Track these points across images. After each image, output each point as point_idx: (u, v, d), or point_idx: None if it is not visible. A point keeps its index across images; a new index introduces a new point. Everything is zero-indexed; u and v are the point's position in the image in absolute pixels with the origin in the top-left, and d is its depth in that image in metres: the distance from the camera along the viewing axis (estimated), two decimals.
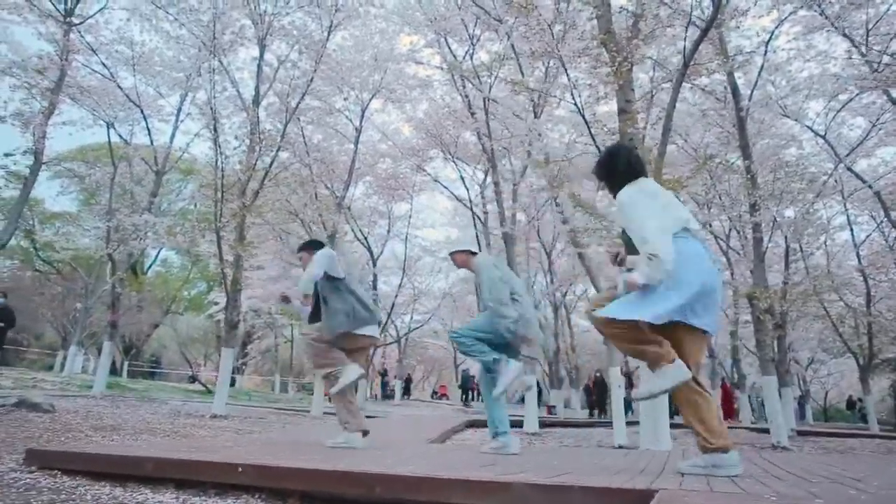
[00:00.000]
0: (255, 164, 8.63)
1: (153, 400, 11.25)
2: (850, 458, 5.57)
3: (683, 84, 12.04)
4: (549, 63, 7.97)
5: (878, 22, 10.38)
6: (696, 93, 12.26)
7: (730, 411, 19.62)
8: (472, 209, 14.85)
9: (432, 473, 2.08)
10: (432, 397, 28.93)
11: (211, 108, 8.23)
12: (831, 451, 8.04)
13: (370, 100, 13.54)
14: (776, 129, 13.36)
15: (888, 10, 10.12)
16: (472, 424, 10.01)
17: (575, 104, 5.17)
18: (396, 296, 17.76)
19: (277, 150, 8.97)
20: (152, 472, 2.54)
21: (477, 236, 12.74)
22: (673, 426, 5.47)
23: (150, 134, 10.94)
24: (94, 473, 2.66)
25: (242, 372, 30.09)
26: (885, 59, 9.69)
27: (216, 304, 21.76)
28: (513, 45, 7.91)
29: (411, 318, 21.94)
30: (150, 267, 30.25)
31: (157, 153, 11.09)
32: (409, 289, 20.82)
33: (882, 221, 12.69)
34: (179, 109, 11.67)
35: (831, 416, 30.35)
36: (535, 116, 8.18)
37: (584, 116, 5.21)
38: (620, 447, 6.81)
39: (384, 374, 24.03)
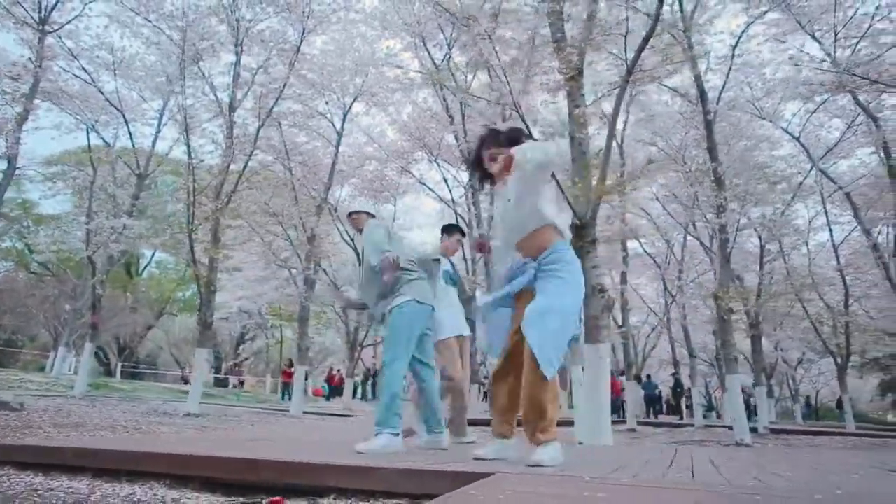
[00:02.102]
0: (229, 167, 8.79)
1: (136, 400, 11.43)
2: (787, 452, 5.72)
3: (659, 86, 12.36)
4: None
5: (845, 25, 10.56)
6: (672, 95, 12.47)
7: None
8: (455, 210, 15.03)
9: (313, 460, 2.25)
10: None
11: (183, 113, 8.39)
12: (793, 447, 8.20)
13: (352, 103, 13.72)
14: (754, 131, 13.52)
15: (855, 14, 10.28)
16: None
17: (517, 109, 5.32)
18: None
19: (251, 154, 9.14)
20: (72, 461, 2.71)
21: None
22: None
23: (131, 137, 11.14)
24: (21, 463, 2.83)
25: (237, 372, 30.31)
26: (850, 59, 9.85)
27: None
28: (481, 51, 8.05)
29: None
30: (144, 269, 30.51)
31: (138, 156, 11.27)
32: None
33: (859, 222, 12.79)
34: (162, 113, 11.87)
35: (823, 415, 30.46)
36: (503, 120, 8.34)
37: (523, 119, 5.35)
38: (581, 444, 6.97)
39: (375, 374, 24.19)
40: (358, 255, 3.66)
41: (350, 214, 3.77)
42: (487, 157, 2.87)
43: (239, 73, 10.09)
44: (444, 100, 11.63)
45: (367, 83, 13.54)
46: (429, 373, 3.53)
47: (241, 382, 28.15)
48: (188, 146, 8.56)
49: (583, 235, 5.26)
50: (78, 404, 8.31)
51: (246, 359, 29.63)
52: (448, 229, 4.53)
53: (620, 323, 12.91)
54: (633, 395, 12.08)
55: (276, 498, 2.13)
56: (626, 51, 5.92)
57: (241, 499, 2.27)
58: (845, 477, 2.21)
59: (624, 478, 1.90)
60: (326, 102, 13.48)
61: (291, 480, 2.27)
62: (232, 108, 9.96)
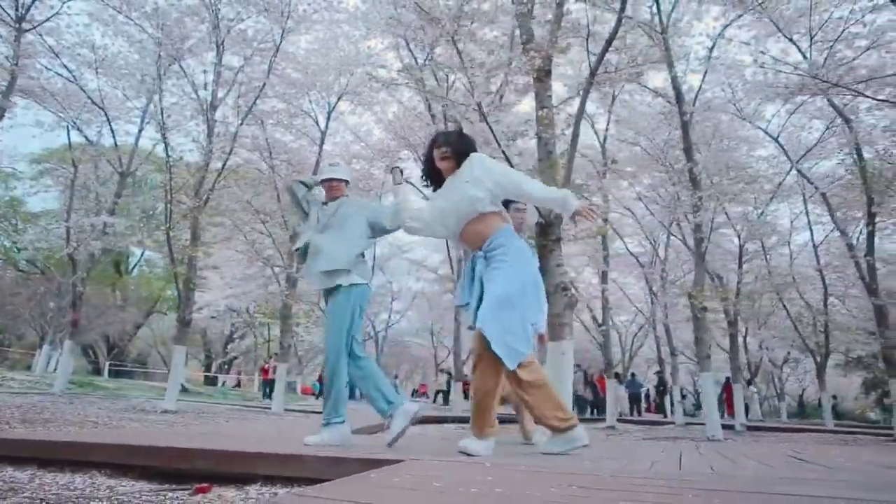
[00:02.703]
0: (209, 166, 8.85)
1: (118, 398, 11.47)
2: (748, 447, 5.83)
3: (641, 87, 12.48)
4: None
5: (821, 28, 10.70)
6: (654, 96, 12.59)
7: (731, 406, 20.42)
8: None
9: (243, 448, 2.34)
10: (412, 395, 29.21)
11: (161, 112, 8.44)
12: (762, 441, 8.32)
13: (336, 102, 13.78)
14: (735, 132, 13.66)
15: (829, 17, 10.42)
16: (424, 421, 10.26)
17: (480, 111, 5.41)
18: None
19: (230, 152, 9.19)
20: (18, 452, 2.78)
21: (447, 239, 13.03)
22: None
23: (114, 135, 11.15)
24: None
25: (227, 371, 30.31)
26: (826, 62, 9.99)
27: (195, 303, 21.98)
28: (459, 53, 8.12)
29: (389, 316, 22.19)
30: (134, 267, 30.44)
31: (121, 154, 11.29)
32: (386, 288, 21.15)
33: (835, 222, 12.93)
34: (145, 111, 11.88)
35: (810, 412, 30.73)
36: (481, 120, 8.41)
37: (485, 119, 5.44)
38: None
39: None
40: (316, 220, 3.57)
41: (332, 181, 3.64)
42: (438, 155, 2.96)
43: (220, 73, 10.13)
44: (427, 100, 11.70)
45: (352, 82, 13.61)
46: (363, 352, 3.42)
47: (239, 383, 28.14)
48: (166, 144, 8.60)
49: (547, 234, 5.35)
50: (56, 401, 8.34)
51: (235, 357, 29.64)
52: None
53: (601, 322, 13.03)
54: (613, 394, 12.18)
55: (204, 485, 2.21)
56: (587, 53, 6.04)
57: (173, 485, 2.34)
58: (760, 467, 2.31)
59: (524, 465, 1.99)
60: (310, 101, 13.53)
61: (224, 468, 2.36)
62: (213, 107, 10.01)
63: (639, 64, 7.73)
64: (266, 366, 20.17)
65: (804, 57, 10.69)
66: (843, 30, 10.35)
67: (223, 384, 26.69)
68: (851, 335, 15.92)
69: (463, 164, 2.85)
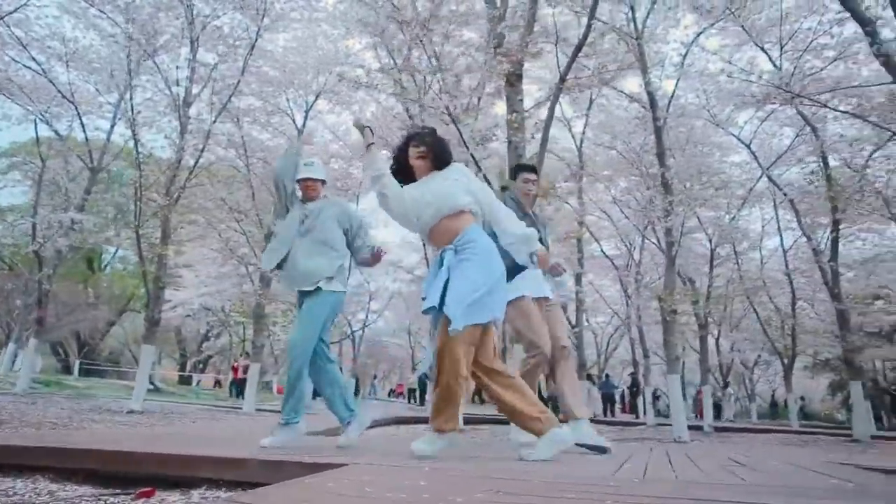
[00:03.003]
0: (181, 163, 8.73)
1: (85, 397, 11.26)
2: (706, 450, 5.93)
3: (614, 89, 12.62)
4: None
5: (791, 38, 10.95)
6: (630, 101, 12.76)
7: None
8: None
9: (187, 452, 2.32)
10: (389, 395, 29.17)
11: (131, 108, 8.31)
12: (726, 442, 8.48)
13: (314, 101, 13.71)
14: (709, 137, 13.89)
15: (798, 28, 10.67)
16: (401, 421, 10.28)
17: (449, 114, 5.44)
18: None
19: (203, 150, 9.09)
20: None
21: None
22: None
23: (84, 130, 10.94)
24: None
25: (202, 370, 29.91)
26: (796, 71, 10.22)
27: (168, 301, 21.68)
28: (435, 55, 8.13)
29: (367, 316, 22.13)
30: (107, 264, 29.89)
31: (91, 150, 11.08)
32: (363, 288, 21.08)
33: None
34: (117, 107, 11.67)
35: (781, 413, 31.38)
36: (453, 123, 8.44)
37: (455, 122, 5.47)
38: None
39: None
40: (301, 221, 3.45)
41: (308, 181, 3.53)
42: (415, 153, 2.96)
43: (195, 69, 10.01)
44: (403, 101, 11.68)
45: (331, 81, 13.54)
46: (333, 356, 3.51)
47: (218, 382, 27.63)
48: (136, 141, 8.47)
49: None
50: (17, 401, 8.16)
51: (210, 356, 29.27)
52: (516, 170, 4.04)
53: (574, 323, 13.16)
54: (586, 394, 12.30)
55: (147, 489, 2.20)
56: (556, 59, 6.11)
57: (116, 490, 2.32)
58: (695, 471, 2.36)
59: (465, 468, 2.01)
60: (288, 99, 13.45)
61: (169, 472, 2.34)
62: (187, 104, 9.88)
63: (609, 70, 7.78)
64: (236, 365, 19.66)
65: (775, 66, 10.93)
66: (812, 41, 10.60)
67: (198, 383, 26.34)
68: (819, 338, 16.30)
69: (448, 168, 2.90)
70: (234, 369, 19.38)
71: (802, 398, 27.55)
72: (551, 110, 5.64)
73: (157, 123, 10.56)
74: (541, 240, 3.42)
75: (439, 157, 2.91)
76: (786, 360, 14.77)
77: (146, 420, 6.83)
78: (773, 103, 10.05)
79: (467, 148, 5.33)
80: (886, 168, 10.66)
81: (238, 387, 18.09)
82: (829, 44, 10.58)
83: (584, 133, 14.17)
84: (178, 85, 9.36)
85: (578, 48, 5.39)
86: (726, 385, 25.76)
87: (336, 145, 16.72)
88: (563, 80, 5.53)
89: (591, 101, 13.74)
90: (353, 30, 12.07)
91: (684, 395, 22.08)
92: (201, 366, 30.05)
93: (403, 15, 5.81)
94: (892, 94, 7.16)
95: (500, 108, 7.33)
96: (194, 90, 10.22)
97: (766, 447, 6.41)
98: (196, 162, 9.01)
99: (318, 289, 3.32)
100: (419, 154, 2.92)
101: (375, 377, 34.19)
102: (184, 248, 12.32)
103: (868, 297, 15.42)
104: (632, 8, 9.72)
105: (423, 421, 12.33)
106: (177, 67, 9.54)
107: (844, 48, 10.48)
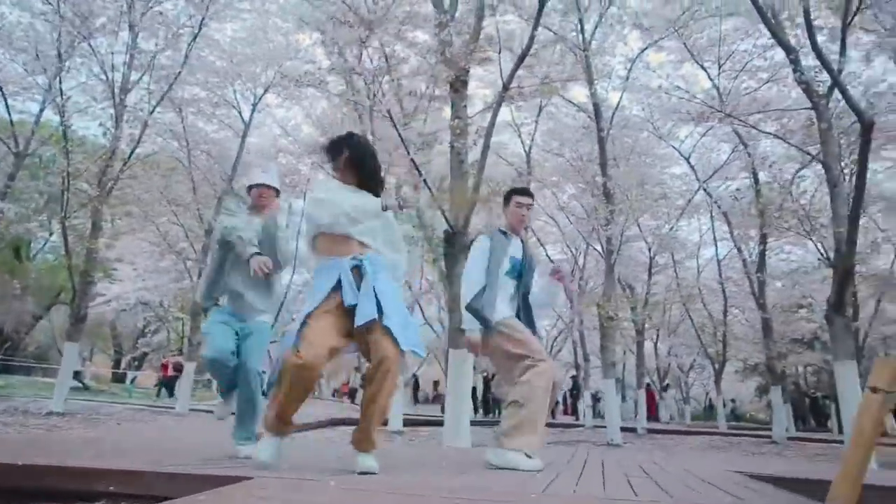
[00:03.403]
0: (115, 152, 8.36)
1: (1, 398, 10.62)
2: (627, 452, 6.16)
3: (563, 98, 12.90)
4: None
5: (728, 58, 11.48)
6: (577, 110, 13.06)
7: (652, 411, 21.37)
8: None
9: (87, 464, 2.23)
10: (333, 395, 28.77)
11: (60, 92, 7.89)
12: (655, 445, 8.82)
13: (262, 94, 13.39)
14: (652, 149, 14.38)
15: (735, 49, 11.19)
16: (337, 423, 10.18)
17: (390, 117, 5.44)
18: (286, 293, 17.58)
19: (139, 140, 8.73)
20: None
21: None
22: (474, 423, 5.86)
23: (9, 112, 10.30)
24: None
25: (138, 367, 28.67)
26: (729, 90, 10.74)
27: (102, 295, 20.71)
28: (385, 56, 8.08)
29: None
30: (37, 254, 28.21)
31: (17, 133, 10.44)
32: (309, 286, 20.73)
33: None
34: (48, 89, 11.05)
35: (713, 415, 32.84)
36: (404, 125, 8.43)
37: (395, 126, 5.47)
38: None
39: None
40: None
41: (262, 188, 3.32)
42: (343, 160, 2.90)
43: (133, 55, 9.61)
44: (351, 99, 11.56)
45: (280, 75, 13.25)
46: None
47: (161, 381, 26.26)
48: (64, 126, 8.04)
49: (453, 243, 5.43)
50: None
51: (146, 353, 28.10)
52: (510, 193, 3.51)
53: None
54: None
55: None
56: (500, 69, 6.22)
57: None
58: (596, 481, 2.44)
59: (368, 483, 2.02)
60: (235, 91, 13.09)
61: (69, 486, 2.24)
62: (124, 90, 9.48)
63: (554, 80, 7.96)
64: (165, 362, 18.34)
65: (713, 84, 11.44)
66: (747, 62, 11.16)
67: (132, 381, 25.22)
68: (748, 344, 17.19)
69: (379, 196, 2.79)
70: (164, 367, 18.30)
71: (733, 400, 28.92)
72: (493, 118, 5.71)
73: (92, 110, 10.08)
74: (521, 274, 3.24)
75: (363, 169, 2.80)
76: (717, 365, 15.46)
77: (66, 423, 6.50)
78: (709, 121, 10.50)
79: (408, 152, 5.33)
80: (810, 186, 11.30)
81: (168, 385, 17.08)
82: (762, 66, 11.19)
83: (532, 139, 14.40)
84: (114, 71, 8.94)
85: (522, 58, 5.48)
86: (666, 388, 26.79)
87: (285, 140, 16.38)
88: (506, 88, 5.61)
89: (541, 108, 13.97)
90: (304, 24, 11.88)
91: (624, 398, 22.83)
92: (137, 363, 28.84)
93: (348, 17, 5.75)
94: (809, 119, 7.61)
95: (448, 112, 7.38)
96: (133, 77, 9.82)
97: (686, 452, 6.69)
98: (132, 152, 8.63)
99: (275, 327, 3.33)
100: (346, 163, 2.80)
101: (321, 375, 33.61)
102: (117, 240, 11.78)
103: (793, 306, 16.32)
104: (580, 20, 9.97)
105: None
106: (112, 53, 9.11)
107: (776, 71, 11.11)
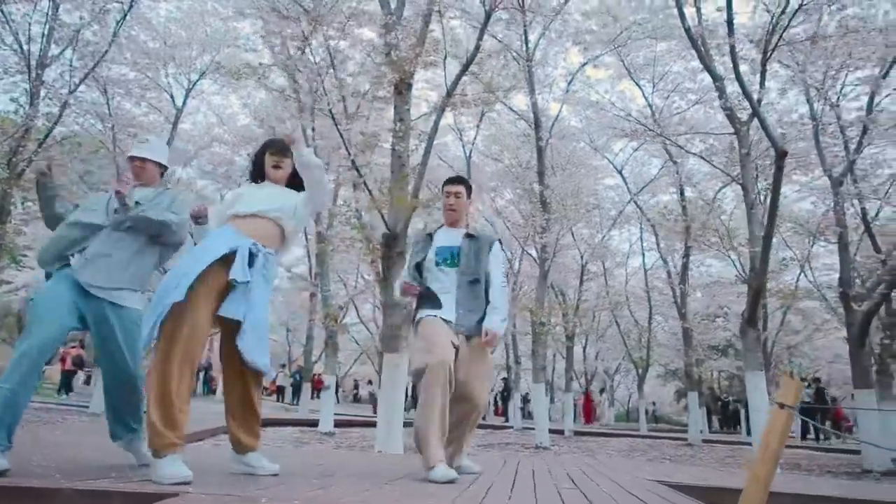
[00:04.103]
0: (28, 131, 7.75)
1: None
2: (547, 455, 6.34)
3: (504, 105, 13.12)
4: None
5: (662, 79, 12.07)
6: (517, 118, 13.33)
7: (589, 415, 22.98)
8: None
9: None
10: (262, 393, 27.93)
11: None
12: (580, 448, 9.14)
13: (198, 80, 12.82)
14: (588, 160, 14.87)
15: (668, 71, 11.79)
16: (268, 423, 9.87)
17: (332, 117, 5.35)
18: None
19: (58, 120, 8.14)
20: None
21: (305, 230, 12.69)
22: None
23: None
24: None
25: (48, 362, 26.69)
26: (661, 108, 11.31)
27: (9, 282, 19.20)
28: (329, 52, 7.91)
29: None
30: None
31: None
32: None
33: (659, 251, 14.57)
34: None
35: (633, 418, 34.43)
36: (346, 119, 8.29)
37: (340, 132, 5.39)
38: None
39: (207, 368, 22.73)
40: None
41: (135, 160, 2.88)
42: (275, 163, 2.82)
43: (54, 28, 8.95)
44: (297, 92, 11.27)
45: (217, 61, 12.73)
46: None
47: (89, 378, 24.23)
48: None
49: (392, 246, 5.40)
50: None
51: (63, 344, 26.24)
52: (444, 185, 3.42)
53: None
54: None
55: None
56: (444, 74, 6.27)
57: None
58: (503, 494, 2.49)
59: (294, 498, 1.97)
60: (167, 75, 12.46)
61: None
62: (42, 65, 8.80)
63: (495, 90, 8.09)
64: (63, 353, 16.11)
65: (647, 101, 11.99)
66: (679, 84, 11.77)
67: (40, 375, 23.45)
68: (670, 351, 18.14)
69: (300, 193, 2.78)
70: (63, 360, 16.11)
71: (654, 403, 30.38)
72: (436, 124, 5.71)
73: (2, 83, 9.31)
74: (457, 261, 3.03)
75: (297, 177, 2.81)
76: (640, 370, 16.17)
77: None
78: (641, 138, 11.00)
79: (349, 152, 5.25)
80: (730, 205, 12.03)
81: (66, 381, 15.35)
82: (692, 88, 11.83)
83: (473, 143, 14.56)
84: (31, 42, 8.30)
85: (466, 66, 5.53)
86: (602, 391, 27.94)
87: (220, 129, 15.76)
88: (449, 94, 5.64)
89: (483, 114, 14.15)
90: (245, 13, 11.46)
91: (552, 400, 23.49)
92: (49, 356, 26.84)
93: (291, 11, 5.59)
94: (731, 144, 8.11)
95: (390, 113, 7.33)
96: (53, 51, 9.14)
97: (611, 456, 6.96)
98: (49, 132, 8.02)
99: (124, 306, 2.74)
100: (280, 164, 2.80)
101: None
102: (25, 226, 10.92)
103: (711, 315, 17.33)
104: (525, 31, 10.18)
105: (294, 424, 11.96)
106: (29, 23, 8.45)
107: (703, 94, 11.79)
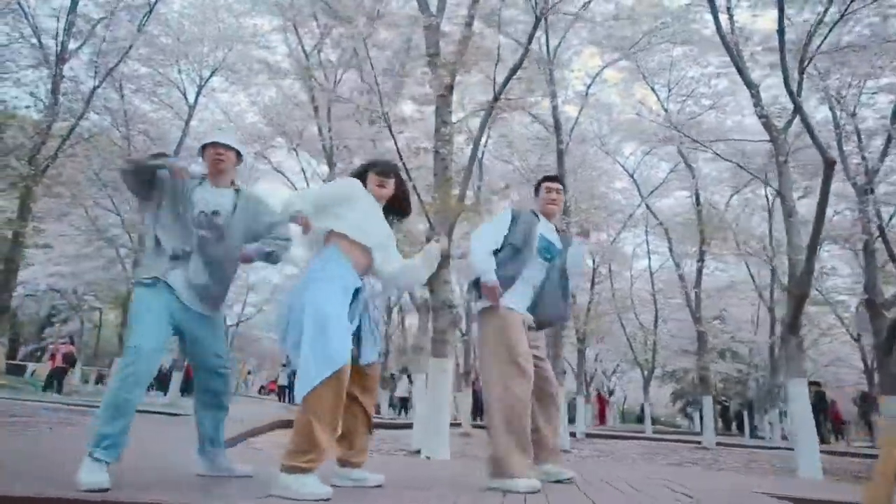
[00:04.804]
0: (51, 128, 7.62)
1: None
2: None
3: (524, 110, 13.12)
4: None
5: (678, 84, 12.14)
6: (532, 121, 13.33)
7: (603, 416, 23.51)
8: None
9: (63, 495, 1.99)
10: (259, 392, 27.73)
11: None
12: (604, 454, 9.16)
13: (209, 77, 12.71)
14: (598, 163, 14.91)
15: (683, 76, 11.86)
16: (277, 426, 9.78)
17: (385, 119, 5.30)
18: None
19: (82, 116, 8.01)
20: None
21: None
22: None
23: None
24: None
25: (39, 359, 26.27)
26: (679, 113, 11.37)
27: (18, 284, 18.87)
28: (355, 50, 7.87)
29: (243, 309, 20.90)
30: None
31: None
32: (240, 279, 19.90)
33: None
34: None
35: (627, 418, 34.67)
36: (370, 123, 8.25)
37: (390, 129, 5.35)
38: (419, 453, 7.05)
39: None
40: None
41: (218, 147, 2.70)
42: (384, 184, 2.83)
43: (73, 21, 8.82)
44: (311, 90, 11.18)
45: (230, 58, 12.63)
46: None
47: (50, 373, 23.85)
48: None
49: None
50: None
51: (52, 343, 25.83)
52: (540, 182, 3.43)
53: (464, 331, 13.47)
54: (465, 401, 12.68)
55: None
56: (494, 74, 6.26)
57: None
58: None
59: None
60: (180, 71, 12.33)
61: None
62: (61, 59, 8.66)
63: (532, 91, 8.10)
64: (54, 349, 15.33)
65: (662, 106, 12.06)
66: (693, 89, 11.85)
67: (32, 374, 23.05)
68: (674, 353, 18.27)
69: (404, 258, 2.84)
70: (53, 357, 15.20)
71: (651, 404, 30.55)
72: (482, 127, 5.70)
73: (20, 76, 9.16)
74: (553, 259, 3.03)
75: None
76: (646, 373, 16.25)
77: None
78: (661, 141, 11.02)
79: (401, 157, 5.22)
80: (745, 209, 12.11)
81: (57, 378, 14.64)
82: (706, 93, 11.91)
83: (485, 144, 14.53)
84: (49, 37, 8.17)
85: (514, 70, 5.50)
86: (611, 392, 28.15)
87: (226, 126, 15.61)
88: (496, 98, 5.61)
89: (495, 116, 14.11)
90: (262, 7, 11.35)
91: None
92: (39, 353, 26.45)
93: (346, 10, 5.53)
94: (769, 152, 8.16)
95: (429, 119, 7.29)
96: (71, 45, 9.00)
97: (633, 462, 6.98)
98: (72, 128, 7.90)
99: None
100: (386, 184, 2.79)
101: (250, 372, 32.32)
102: (43, 225, 10.76)
103: (709, 318, 17.45)
104: (546, 34, 10.18)
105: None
106: (56, 18, 8.32)
107: (718, 99, 11.88)
